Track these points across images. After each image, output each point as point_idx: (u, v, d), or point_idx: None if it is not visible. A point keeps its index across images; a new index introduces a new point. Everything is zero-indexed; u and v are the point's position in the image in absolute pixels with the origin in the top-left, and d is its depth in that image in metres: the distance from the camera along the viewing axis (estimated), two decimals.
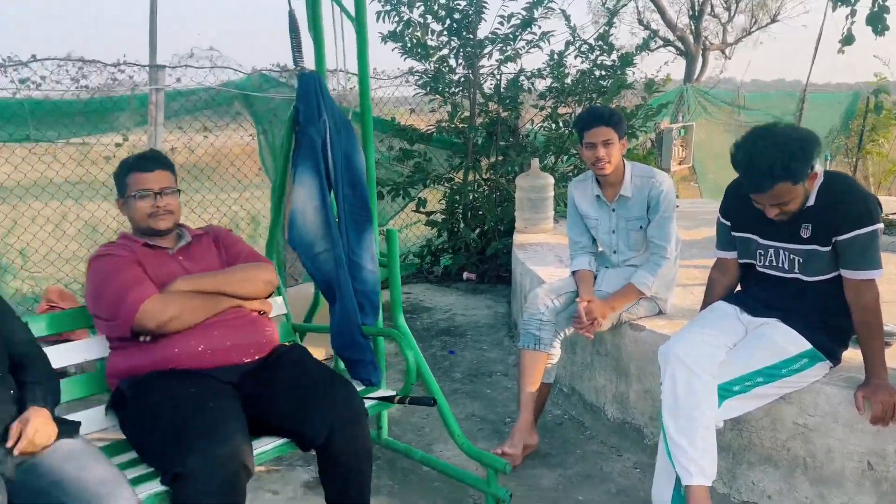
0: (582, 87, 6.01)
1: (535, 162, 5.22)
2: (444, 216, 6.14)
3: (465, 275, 5.99)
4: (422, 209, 6.04)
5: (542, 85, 6.15)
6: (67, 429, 1.95)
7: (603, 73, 6.05)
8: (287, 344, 2.52)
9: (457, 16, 5.55)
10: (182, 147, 5.00)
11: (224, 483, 1.84)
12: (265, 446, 2.13)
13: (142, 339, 2.18)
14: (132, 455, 2.10)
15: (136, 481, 1.93)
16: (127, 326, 2.15)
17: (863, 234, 2.11)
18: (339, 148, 2.56)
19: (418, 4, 5.47)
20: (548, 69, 6.05)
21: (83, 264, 4.42)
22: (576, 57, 6.09)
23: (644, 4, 21.05)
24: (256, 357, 2.29)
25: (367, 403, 2.39)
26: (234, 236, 2.52)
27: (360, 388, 2.58)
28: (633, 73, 6.20)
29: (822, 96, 11.26)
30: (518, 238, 5.01)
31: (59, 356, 2.22)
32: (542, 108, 6.09)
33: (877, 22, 5.78)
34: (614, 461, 2.96)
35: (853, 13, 6.00)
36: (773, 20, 20.96)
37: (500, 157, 6.04)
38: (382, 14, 5.46)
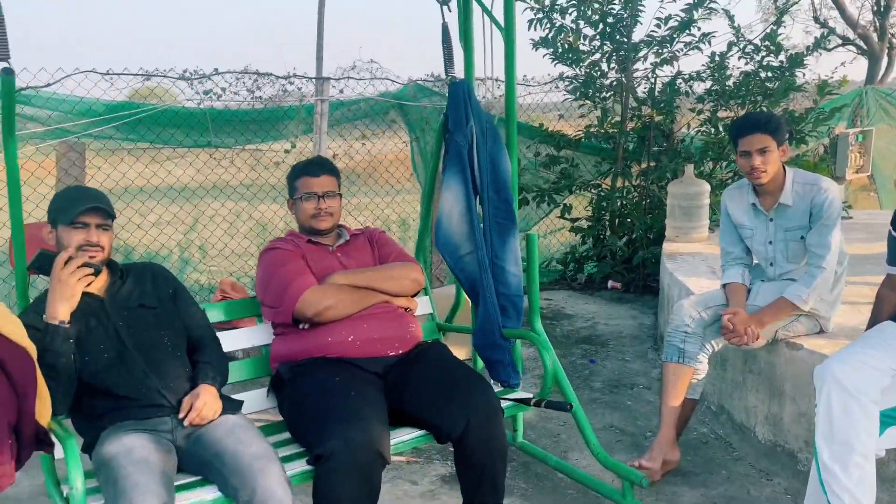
0: (746, 90, 5.69)
1: (690, 168, 5.02)
2: (589, 223, 6.06)
3: (610, 283, 5.87)
4: (567, 215, 6.00)
5: (700, 88, 5.90)
6: (232, 406, 2.19)
7: (769, 74, 5.69)
8: (429, 341, 2.63)
9: (610, 20, 5.47)
10: (343, 154, 5.35)
11: (359, 468, 1.97)
12: (404, 436, 2.24)
13: (301, 326, 2.39)
14: (286, 435, 2.31)
15: (286, 459, 2.12)
16: (289, 313, 2.36)
17: None
18: (484, 153, 2.64)
19: (571, 10, 5.45)
20: (707, 71, 5.80)
21: (253, 259, 4.87)
22: (739, 58, 5.79)
23: (821, 1, 19.52)
24: (400, 351, 2.42)
25: (504, 404, 2.44)
26: (386, 237, 2.68)
27: (497, 388, 2.63)
28: (804, 74, 5.77)
29: None
30: (668, 247, 4.84)
31: (229, 341, 2.48)
32: (699, 112, 5.84)
33: None
34: (763, 485, 2.78)
35: None
36: None
37: (652, 163, 5.86)
38: (535, 21, 5.50)
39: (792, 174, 2.77)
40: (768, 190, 2.79)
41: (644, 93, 5.89)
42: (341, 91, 4.98)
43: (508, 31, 2.64)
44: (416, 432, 2.26)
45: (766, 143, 2.69)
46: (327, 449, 1.98)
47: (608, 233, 5.96)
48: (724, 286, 2.92)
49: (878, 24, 18.25)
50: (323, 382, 2.22)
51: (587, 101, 5.75)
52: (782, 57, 5.64)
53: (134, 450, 1.90)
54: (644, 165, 5.96)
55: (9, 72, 1.99)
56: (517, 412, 2.74)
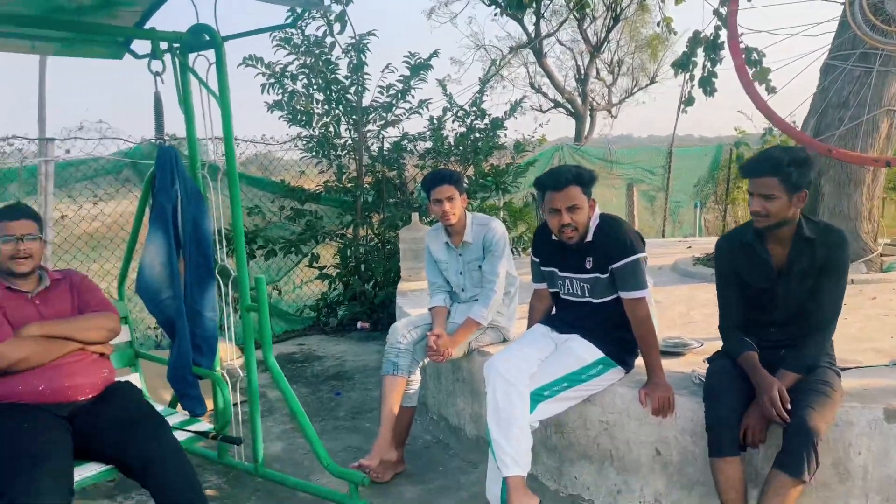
0: (461, 148, 6.62)
1: (416, 215, 5.70)
2: (337, 270, 6.51)
3: (360, 324, 6.33)
4: (315, 264, 6.39)
5: (423, 147, 6.72)
6: None
7: (478, 135, 6.68)
8: (122, 381, 2.83)
9: (337, 87, 6.06)
10: (73, 214, 5.19)
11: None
12: (91, 471, 2.46)
13: None
14: None
15: None
16: None
17: (630, 262, 2.66)
18: (188, 213, 2.98)
19: (301, 77, 5.95)
20: (428, 132, 6.65)
21: None
22: (453, 121, 6.73)
23: (535, 70, 22.60)
24: (91, 395, 2.61)
25: (184, 436, 2.75)
26: (88, 282, 2.84)
27: (186, 417, 2.96)
28: (505, 134, 6.87)
29: (687, 150, 12.45)
30: (402, 286, 5.43)
31: None
32: (423, 168, 6.64)
33: (706, 84, 6.73)
34: (470, 473, 3.34)
35: (692, 78, 6.96)
36: (652, 81, 22.85)
37: (388, 214, 6.51)
38: (267, 86, 5.90)
39: (471, 217, 3.44)
40: (456, 230, 3.43)
41: (375, 151, 6.56)
42: (67, 151, 4.89)
43: (223, 98, 2.98)
44: (104, 467, 2.48)
45: (451, 192, 3.33)
46: (15, 489, 2.12)
47: (354, 278, 6.45)
48: (430, 309, 3.49)
49: (580, 89, 21.65)
50: (11, 429, 2.35)
51: (323, 159, 6.26)
52: (487, 121, 6.68)
53: None
54: (382, 216, 6.60)
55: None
56: (195, 442, 3.03)
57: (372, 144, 6.61)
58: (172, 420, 2.91)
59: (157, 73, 2.96)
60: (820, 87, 4.88)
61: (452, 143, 6.65)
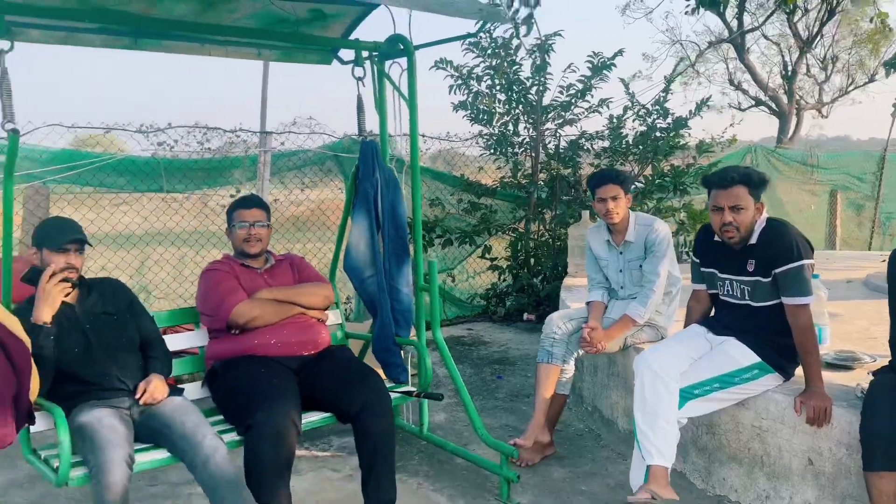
0: (642, 148, 6.59)
1: (586, 213, 5.82)
2: (508, 262, 6.81)
3: (525, 316, 6.58)
4: (487, 255, 6.73)
5: (599, 146, 6.79)
6: (176, 391, 2.80)
7: (658, 134, 6.61)
8: (337, 346, 3.28)
9: (518, 87, 6.33)
10: (284, 199, 5.96)
11: (278, 434, 2.57)
12: (314, 417, 2.90)
13: (232, 331, 2.99)
14: (218, 418, 2.89)
15: (220, 432, 2.69)
16: (223, 322, 2.96)
17: (794, 268, 2.63)
18: (387, 198, 3.39)
19: (485, 78, 6.30)
20: (607, 132, 6.70)
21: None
22: (633, 120, 6.71)
23: (735, 65, 21.31)
24: (312, 352, 3.06)
25: (392, 396, 3.09)
26: (306, 263, 3.34)
27: (389, 384, 3.30)
28: (689, 133, 6.72)
29: None
30: (568, 281, 5.58)
31: (173, 342, 3.08)
32: (598, 167, 6.70)
33: None
34: (619, 464, 3.45)
35: None
36: (871, 79, 20.57)
37: (560, 210, 6.67)
38: (454, 87, 6.32)
39: (634, 217, 3.53)
40: (618, 229, 3.54)
41: (552, 149, 6.74)
42: (282, 143, 5.63)
43: (412, 100, 3.36)
44: (323, 414, 2.91)
45: (616, 191, 3.45)
46: (255, 419, 2.58)
47: (524, 271, 6.70)
48: (587, 304, 3.64)
49: (786, 87, 20.06)
50: (250, 373, 2.83)
51: (501, 156, 6.57)
52: (669, 120, 6.59)
53: (103, 418, 2.47)
54: (554, 213, 6.78)
55: (16, 131, 2.56)
56: (403, 402, 3.38)
57: (549, 142, 6.80)
58: None
59: (359, 78, 3.41)
60: None
61: (631, 143, 6.64)
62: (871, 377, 2.58)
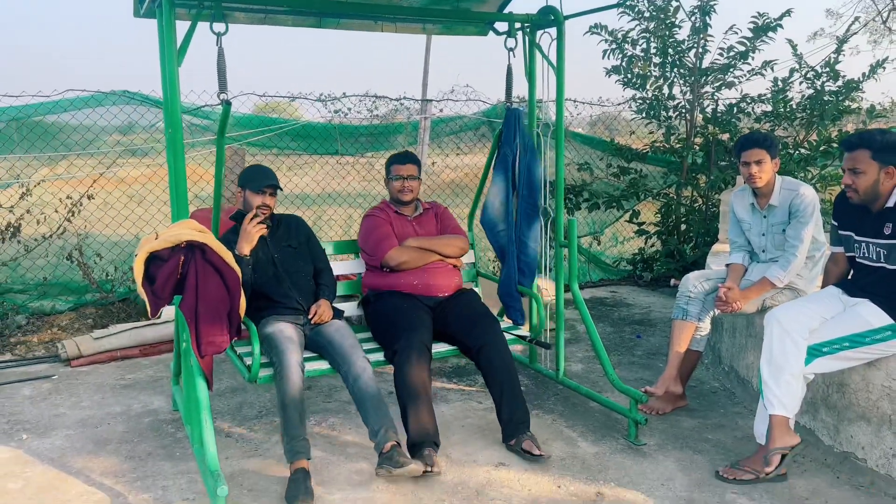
0: (807, 112, 6.31)
1: (741, 178, 5.72)
2: (657, 228, 6.84)
3: (672, 281, 6.60)
4: (634, 220, 6.81)
5: (760, 109, 6.57)
6: (338, 314, 3.43)
7: (827, 98, 6.28)
8: (468, 289, 3.75)
9: (673, 50, 6.29)
10: (440, 162, 6.44)
11: (416, 358, 3.09)
12: (442, 348, 3.41)
13: (384, 269, 3.57)
14: (368, 335, 3.56)
15: (368, 351, 3.27)
16: (377, 262, 3.56)
17: None
18: (524, 162, 3.77)
19: (641, 41, 6.32)
20: (769, 95, 6.47)
21: None
22: (800, 83, 6.41)
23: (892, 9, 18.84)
24: (447, 294, 3.58)
25: (508, 337, 3.48)
26: (448, 213, 3.84)
27: (509, 324, 3.80)
28: (862, 98, 6.32)
29: None
30: (716, 247, 5.57)
31: (337, 268, 3.75)
32: (757, 131, 6.50)
33: None
34: (748, 418, 3.55)
35: None
36: None
37: (714, 176, 6.58)
38: (608, 52, 6.40)
39: (780, 181, 3.56)
40: (763, 193, 3.59)
41: (709, 113, 6.63)
42: (441, 110, 6.07)
43: (560, 68, 3.61)
44: (451, 347, 3.41)
45: (761, 156, 3.50)
46: (400, 346, 3.14)
47: (673, 236, 6.72)
48: (727, 266, 3.74)
49: None
50: (396, 305, 3.41)
51: (654, 120, 6.58)
52: (840, 83, 6.22)
53: (284, 330, 3.12)
54: (708, 178, 6.68)
55: (228, 102, 3.14)
56: (516, 343, 3.70)
57: (707, 106, 6.69)
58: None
59: (510, 49, 3.72)
60: None
61: (795, 106, 6.37)
62: None
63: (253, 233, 3.21)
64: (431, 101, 5.98)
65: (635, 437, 3.33)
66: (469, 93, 6.04)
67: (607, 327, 5.33)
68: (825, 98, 6.28)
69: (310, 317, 3.29)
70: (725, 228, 5.76)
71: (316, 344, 3.26)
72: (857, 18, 16.44)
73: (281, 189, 3.39)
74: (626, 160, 6.66)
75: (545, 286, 4.18)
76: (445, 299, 3.54)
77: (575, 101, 6.59)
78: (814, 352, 2.83)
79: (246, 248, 3.20)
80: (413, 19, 3.98)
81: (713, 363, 4.31)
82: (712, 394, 3.98)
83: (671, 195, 6.79)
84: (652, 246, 6.96)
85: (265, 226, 3.27)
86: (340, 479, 2.97)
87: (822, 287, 3.15)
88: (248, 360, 3.03)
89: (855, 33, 7.32)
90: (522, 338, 3.67)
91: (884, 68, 6.26)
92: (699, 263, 6.31)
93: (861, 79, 6.21)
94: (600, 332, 5.16)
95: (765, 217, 3.62)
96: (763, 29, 6.12)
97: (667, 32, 6.28)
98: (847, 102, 6.19)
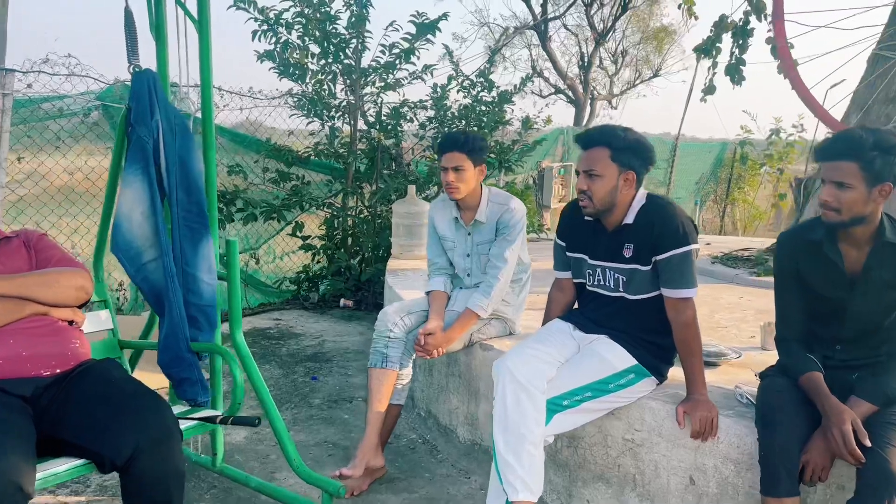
0: (465, 122, 6.14)
1: (412, 189, 5.23)
2: (322, 241, 6.04)
3: (342, 301, 5.88)
4: (298, 234, 5.91)
5: (424, 116, 6.24)
6: None
7: (484, 108, 6.21)
8: (100, 360, 2.28)
9: (335, 40, 5.54)
10: (31, 159, 4.66)
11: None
12: (58, 467, 1.92)
13: None
14: None
15: None
16: None
17: (678, 254, 2.21)
18: (173, 151, 2.42)
19: (297, 26, 5.42)
20: (430, 101, 6.16)
21: None
22: (458, 91, 6.24)
23: (538, 53, 22.04)
24: (58, 370, 2.08)
25: (186, 424, 2.24)
26: (47, 240, 2.33)
27: (185, 408, 2.42)
28: (512, 111, 6.41)
29: (693, 145, 12.07)
30: (392, 264, 4.97)
31: None
32: (422, 138, 6.15)
33: (734, 73, 6.28)
34: (461, 484, 2.91)
35: (714, 65, 6.51)
36: (656, 75, 22.40)
37: (381, 185, 6.03)
38: (259, 33, 5.37)
39: (487, 193, 2.98)
40: (467, 206, 2.97)
41: (372, 116, 6.06)
42: (29, 86, 4.35)
43: (203, 25, 2.49)
44: (75, 462, 1.95)
45: (460, 161, 2.87)
46: None
47: (340, 251, 5.97)
48: (427, 293, 3.04)
49: (582, 77, 21.14)
50: None
51: (315, 119, 5.75)
52: (494, 93, 6.20)
53: None
54: (374, 186, 6.12)
55: None
56: (202, 432, 2.48)
57: (369, 109, 6.11)
58: None
59: None
60: (865, 81, 4.45)
61: (455, 114, 6.16)
62: (759, 379, 2.26)
63: None
64: (14, 70, 4.22)
65: None
66: (72, 65, 4.42)
67: (275, 370, 4.30)
68: (482, 108, 6.20)
69: None
70: (399, 243, 5.21)
71: None
72: (498, 39, 18.08)
73: None
74: (287, 164, 5.70)
75: None
76: (57, 380, 2.07)
77: (221, 90, 5.40)
78: (553, 407, 2.23)
79: None
80: None
81: (406, 407, 3.60)
82: (411, 451, 3.25)
83: (337, 205, 6.06)
84: (318, 262, 6.13)
85: None
86: None
87: (545, 320, 2.61)
88: None
89: (504, 45, 7.49)
90: (213, 420, 2.35)
91: (526, 88, 6.42)
92: (373, 281, 5.68)
93: (514, 90, 6.27)
94: (267, 376, 4.11)
95: (469, 234, 3.01)
96: (424, 27, 5.73)
97: (326, 21, 5.51)
98: (502, 113, 6.18)
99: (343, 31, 5.58)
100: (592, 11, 20.38)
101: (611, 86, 23.14)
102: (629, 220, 2.29)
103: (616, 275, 2.34)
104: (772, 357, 2.75)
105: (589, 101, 21.13)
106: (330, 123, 5.82)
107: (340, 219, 5.94)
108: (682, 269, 2.22)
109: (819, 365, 2.10)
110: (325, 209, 6.04)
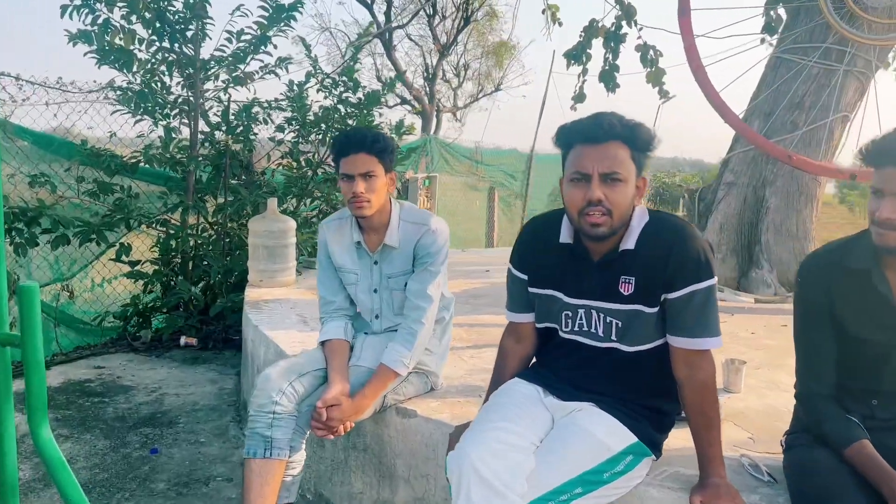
0: (327, 125, 5.37)
1: (273, 202, 4.37)
2: (156, 267, 4.96)
3: (184, 340, 4.83)
4: (124, 258, 4.79)
5: (280, 118, 5.38)
6: None
7: (349, 110, 5.47)
8: None
9: (168, 25, 4.55)
10: None
11: None
12: None
13: None
14: None
15: None
16: None
17: (702, 290, 1.64)
18: None
19: (120, 3, 4.37)
20: (287, 100, 5.32)
21: None
22: (318, 91, 5.46)
23: (382, 63, 21.55)
24: None
25: None
26: None
27: None
28: (380, 114, 5.73)
29: (548, 157, 12.10)
30: (251, 294, 4.09)
31: None
32: (280, 143, 5.29)
33: (608, 80, 6.06)
34: None
35: (584, 72, 6.26)
36: (497, 89, 22.74)
37: (230, 198, 5.07)
38: (71, 9, 4.25)
39: (399, 209, 2.28)
40: (373, 226, 2.26)
41: (217, 116, 5.10)
42: None
43: None
44: None
45: (371, 166, 2.15)
46: None
47: (179, 278, 4.93)
48: (322, 344, 2.27)
49: (427, 89, 20.93)
50: None
51: (145, 117, 4.70)
52: (360, 94, 5.50)
53: None
54: (221, 200, 5.15)
55: None
56: None
57: (212, 107, 5.15)
58: None
59: None
60: (770, 86, 4.27)
61: (316, 115, 5.37)
62: (784, 449, 1.76)
63: None
64: None
65: None
66: None
67: (100, 440, 3.27)
68: (348, 110, 5.46)
69: None
70: (258, 268, 4.32)
71: None
72: (350, 43, 17.17)
73: None
74: (109, 173, 4.58)
75: None
76: None
77: (20, 80, 4.21)
78: None
79: None
80: None
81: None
82: None
83: (174, 222, 5.01)
84: (150, 292, 5.03)
85: None
86: None
87: (497, 377, 1.94)
88: None
89: (361, 47, 6.83)
90: None
91: (390, 87, 5.78)
92: (225, 315, 4.71)
93: (382, 92, 5.59)
94: (89, 451, 3.10)
95: (376, 263, 2.29)
96: (280, 9, 4.89)
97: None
98: (370, 117, 5.48)
99: (180, 11, 4.59)
100: (435, 23, 20.31)
101: (454, 98, 23.21)
102: (628, 244, 1.68)
103: (608, 318, 1.72)
104: (743, 401, 2.33)
105: (435, 113, 20.96)
106: (164, 123, 4.78)
107: (179, 239, 4.91)
108: (704, 310, 1.65)
109: (864, 429, 1.63)
110: (158, 227, 4.97)
